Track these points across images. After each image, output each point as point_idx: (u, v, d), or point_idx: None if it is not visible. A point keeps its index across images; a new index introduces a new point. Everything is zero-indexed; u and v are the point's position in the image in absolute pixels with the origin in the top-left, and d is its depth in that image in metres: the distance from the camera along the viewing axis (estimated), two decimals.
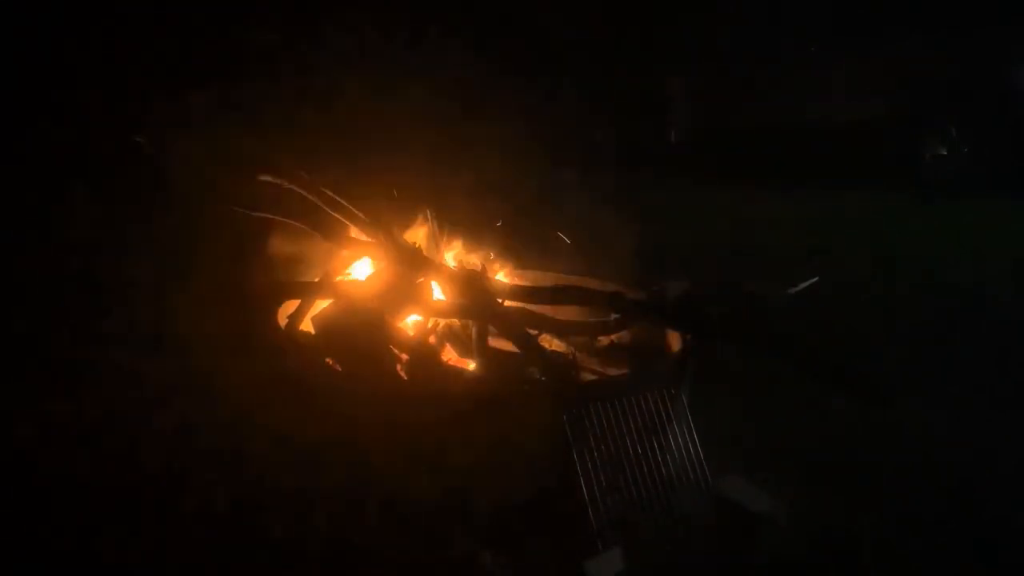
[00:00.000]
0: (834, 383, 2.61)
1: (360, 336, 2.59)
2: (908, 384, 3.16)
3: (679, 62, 8.55)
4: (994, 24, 7.47)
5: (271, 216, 2.77)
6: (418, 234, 3.02)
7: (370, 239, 2.82)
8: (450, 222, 3.13)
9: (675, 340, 2.77)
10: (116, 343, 2.92)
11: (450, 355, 2.77)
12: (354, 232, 2.84)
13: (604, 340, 2.89)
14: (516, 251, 3.22)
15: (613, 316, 2.78)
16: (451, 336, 2.78)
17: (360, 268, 3.00)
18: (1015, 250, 5.60)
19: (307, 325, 2.75)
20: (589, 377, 2.72)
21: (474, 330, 2.68)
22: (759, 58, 8.50)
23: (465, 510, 2.25)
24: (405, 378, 2.55)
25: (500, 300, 2.73)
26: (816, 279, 3.01)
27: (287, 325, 2.72)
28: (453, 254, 3.09)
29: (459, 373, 2.66)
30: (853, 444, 2.92)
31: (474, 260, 3.06)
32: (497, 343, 2.71)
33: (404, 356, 2.60)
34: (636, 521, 2.24)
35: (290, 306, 2.77)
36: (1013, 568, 2.37)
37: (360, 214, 2.81)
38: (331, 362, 2.61)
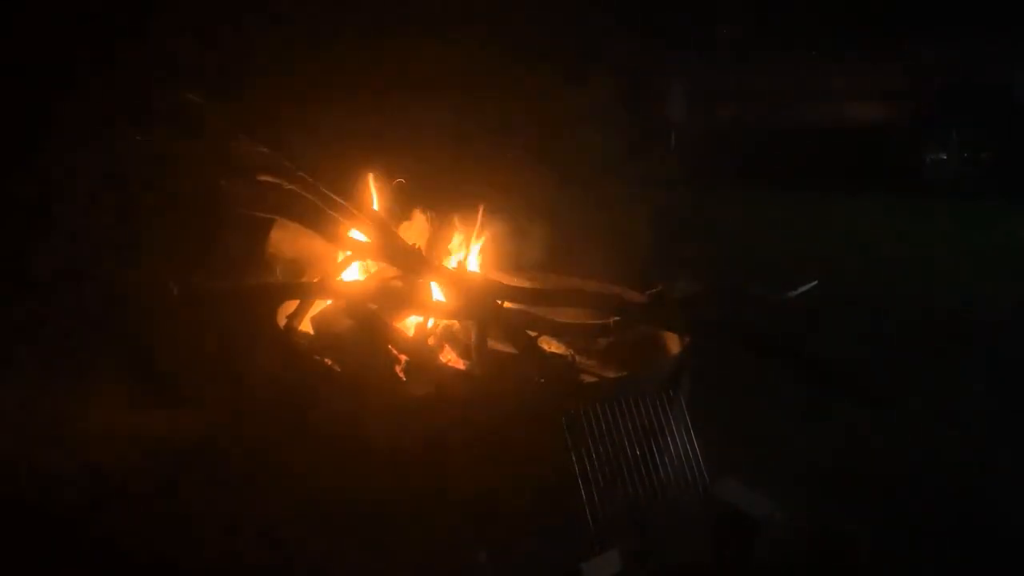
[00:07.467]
0: (833, 384, 2.61)
1: (359, 337, 2.59)
2: (908, 386, 3.15)
3: (677, 63, 8.55)
4: (995, 27, 7.48)
5: (271, 216, 2.77)
6: (417, 234, 3.02)
7: (370, 239, 2.82)
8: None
9: (674, 342, 2.77)
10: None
11: (449, 356, 2.77)
12: (353, 232, 2.84)
13: (603, 342, 2.89)
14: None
15: (612, 318, 2.78)
16: (450, 337, 2.78)
17: (359, 269, 3.00)
18: (1015, 251, 5.60)
19: (306, 326, 2.75)
20: (588, 379, 2.72)
21: (473, 331, 2.67)
22: (760, 59, 8.50)
23: (462, 510, 2.25)
24: (404, 379, 2.55)
25: (500, 301, 2.73)
26: (815, 282, 3.00)
27: (286, 326, 2.73)
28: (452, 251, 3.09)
29: (458, 374, 2.66)
30: (852, 446, 2.92)
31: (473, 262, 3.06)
32: (496, 345, 2.71)
33: (403, 357, 2.60)
34: (633, 523, 2.24)
35: (289, 307, 2.78)
36: (1013, 568, 2.37)
37: (360, 214, 2.82)
38: (330, 363, 2.61)
